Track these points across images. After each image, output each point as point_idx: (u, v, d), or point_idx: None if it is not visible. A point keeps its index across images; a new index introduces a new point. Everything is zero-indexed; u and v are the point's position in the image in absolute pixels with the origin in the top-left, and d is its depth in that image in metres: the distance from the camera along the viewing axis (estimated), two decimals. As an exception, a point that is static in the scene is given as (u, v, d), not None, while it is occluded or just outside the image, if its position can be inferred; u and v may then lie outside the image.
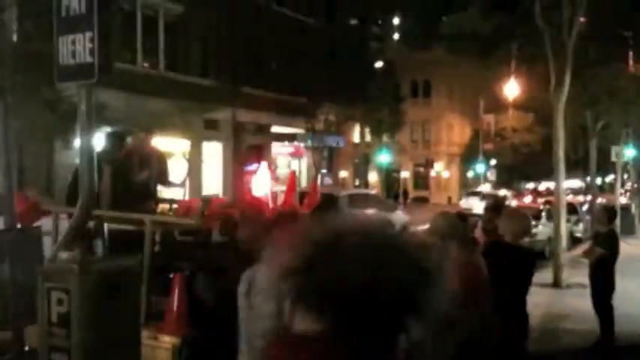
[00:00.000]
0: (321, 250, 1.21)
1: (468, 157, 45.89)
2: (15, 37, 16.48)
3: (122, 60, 19.40)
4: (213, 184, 25.70)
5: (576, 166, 29.54)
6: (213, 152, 26.34)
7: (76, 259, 3.64)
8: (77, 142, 15.56)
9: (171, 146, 19.93)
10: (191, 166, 24.16)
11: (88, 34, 3.77)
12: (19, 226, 5.45)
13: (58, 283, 3.60)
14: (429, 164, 49.74)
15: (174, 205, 8.02)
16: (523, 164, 41.62)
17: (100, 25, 3.76)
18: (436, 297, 1.17)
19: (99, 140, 6.14)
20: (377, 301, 1.14)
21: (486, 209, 6.60)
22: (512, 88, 32.40)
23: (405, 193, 45.86)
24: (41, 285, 3.66)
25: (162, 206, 7.99)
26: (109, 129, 10.25)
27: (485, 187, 40.82)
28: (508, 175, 43.29)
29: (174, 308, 5.31)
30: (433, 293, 1.18)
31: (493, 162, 43.76)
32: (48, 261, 3.91)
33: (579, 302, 9.49)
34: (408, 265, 1.20)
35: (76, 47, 3.83)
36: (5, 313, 4.62)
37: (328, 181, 32.87)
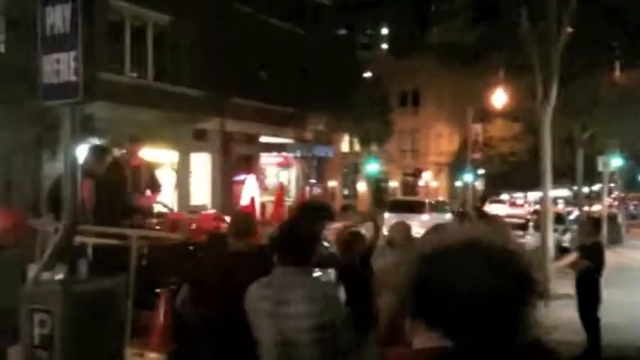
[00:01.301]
0: (431, 263, 1.22)
1: (456, 166, 46.00)
2: (2, 49, 16.45)
3: (110, 70, 19.35)
4: (201, 195, 25.62)
5: (563, 175, 29.68)
6: (202, 163, 26.28)
7: (58, 279, 3.60)
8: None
9: (160, 157, 19.86)
10: (179, 178, 24.11)
11: (72, 53, 3.76)
12: None
13: (40, 304, 3.57)
14: (417, 174, 49.85)
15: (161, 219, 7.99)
16: (511, 173, 41.77)
17: (85, 44, 3.74)
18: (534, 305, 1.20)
19: (82, 153, 6.09)
20: (492, 308, 1.15)
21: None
22: (499, 98, 32.58)
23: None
24: (24, 306, 3.62)
25: (151, 220, 7.97)
26: (92, 142, 10.22)
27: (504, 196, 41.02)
28: (495, 185, 43.45)
29: (160, 323, 5.28)
30: (534, 302, 1.22)
31: (481, 171, 43.91)
32: (30, 281, 3.87)
33: (567, 313, 9.50)
34: (516, 273, 1.22)
35: (61, 66, 3.81)
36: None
37: (317, 191, 32.85)
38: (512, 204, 39.70)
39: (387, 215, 23.91)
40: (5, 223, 5.82)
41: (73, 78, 3.77)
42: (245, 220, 4.78)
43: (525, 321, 1.22)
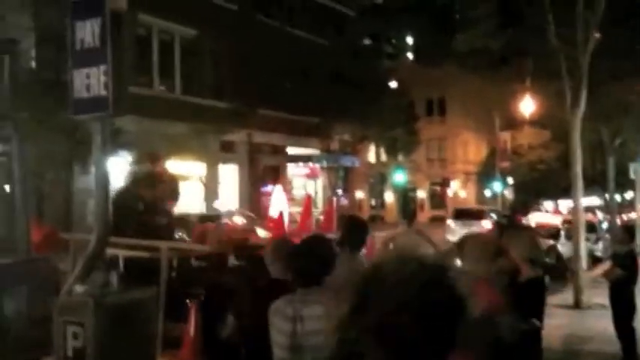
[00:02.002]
0: (367, 284, 1.26)
1: (484, 175, 45.61)
2: (34, 64, 16.76)
3: (138, 84, 19.60)
4: (229, 206, 25.75)
5: (594, 183, 29.22)
6: (229, 174, 26.43)
7: (91, 292, 3.64)
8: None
9: (188, 170, 20.04)
10: (207, 189, 24.28)
11: (103, 68, 3.80)
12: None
13: (73, 316, 3.60)
14: (445, 183, 49.50)
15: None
16: (540, 182, 41.26)
17: (115, 58, 3.79)
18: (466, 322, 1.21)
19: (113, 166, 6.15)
20: (423, 325, 1.18)
21: None
22: (527, 105, 32.25)
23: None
24: (57, 318, 3.66)
25: (180, 234, 8.01)
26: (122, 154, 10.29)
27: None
28: (525, 194, 42.93)
29: (191, 335, 5.29)
30: (466, 318, 1.22)
31: (510, 180, 43.45)
32: (63, 293, 3.91)
33: (601, 323, 9.32)
34: (450, 292, 1.24)
35: (91, 80, 3.85)
36: (21, 344, 4.63)
37: (344, 201, 32.82)
38: (556, 212, 39.16)
39: (451, 223, 25.01)
40: (38, 236, 5.92)
41: (103, 92, 3.82)
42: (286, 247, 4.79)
43: (454, 338, 1.24)
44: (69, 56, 4.04)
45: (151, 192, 6.55)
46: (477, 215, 24.64)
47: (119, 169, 7.66)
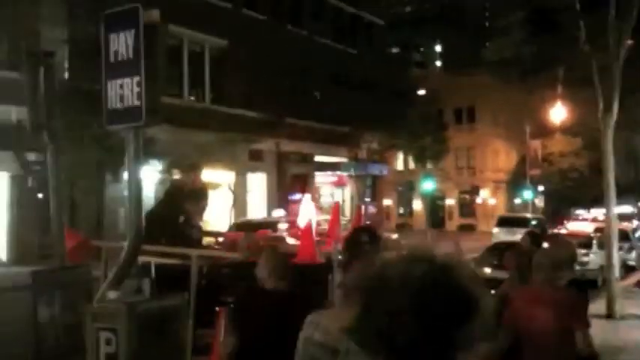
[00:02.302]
0: (372, 284, 1.26)
1: (514, 183, 45.14)
2: (66, 75, 17.11)
3: (169, 94, 19.87)
4: (257, 214, 25.87)
5: (627, 191, 28.75)
6: (258, 183, 26.57)
7: (123, 298, 3.70)
8: (127, 175, 15.76)
9: (217, 178, 20.19)
10: (236, 197, 24.44)
11: (136, 79, 3.88)
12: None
13: (106, 323, 3.66)
14: (474, 191, 49.11)
15: (220, 239, 8.09)
16: (572, 190, 40.67)
17: (147, 69, 3.86)
18: (475, 328, 1.20)
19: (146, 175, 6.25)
20: (425, 329, 1.18)
21: None
22: (558, 113, 31.90)
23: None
24: (90, 325, 3.72)
25: (208, 239, 8.07)
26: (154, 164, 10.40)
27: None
28: (556, 202, 42.37)
29: (220, 342, 5.33)
30: (474, 324, 1.21)
31: (541, 188, 42.92)
32: (96, 300, 3.99)
33: (634, 334, 9.17)
34: (453, 294, 1.23)
35: (124, 91, 3.93)
36: (55, 350, 4.72)
37: (372, 209, 32.75)
38: (594, 220, 38.65)
39: (496, 230, 26.03)
40: (71, 244, 6.03)
41: (136, 103, 3.89)
42: (285, 264, 4.81)
43: (464, 338, 1.22)
44: (103, 68, 4.13)
45: (195, 207, 6.66)
46: (520, 222, 25.14)
47: (152, 177, 7.77)
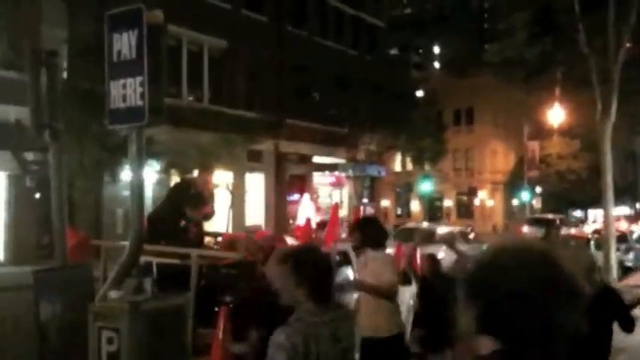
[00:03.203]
0: (483, 269, 1.31)
1: (512, 184, 45.22)
2: (65, 75, 17.10)
3: (168, 94, 19.83)
4: (255, 214, 25.87)
5: (624, 193, 28.85)
6: (256, 183, 26.57)
7: (125, 297, 3.70)
8: (126, 176, 15.82)
9: (216, 178, 20.18)
10: (234, 198, 24.43)
11: (139, 79, 3.89)
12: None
13: (108, 322, 3.67)
14: (472, 192, 49.16)
15: (219, 239, 8.10)
16: (569, 192, 40.75)
17: (151, 69, 3.87)
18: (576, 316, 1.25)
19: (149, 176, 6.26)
20: (535, 313, 1.23)
21: None
22: (557, 114, 31.96)
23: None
24: (92, 324, 3.73)
25: (208, 239, 8.08)
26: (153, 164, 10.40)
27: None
28: (554, 203, 42.44)
29: (220, 341, 5.34)
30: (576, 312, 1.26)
31: (539, 189, 42.99)
32: (98, 299, 4.00)
33: (633, 335, 9.16)
34: (562, 285, 1.28)
35: (127, 91, 3.94)
36: (57, 350, 4.72)
37: (370, 210, 32.76)
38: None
39: (527, 229, 28.64)
40: (71, 242, 6.03)
41: (139, 102, 3.91)
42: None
43: (571, 325, 1.28)
44: (106, 67, 4.14)
45: (196, 213, 6.70)
46: (548, 223, 28.42)
47: (151, 178, 7.78)
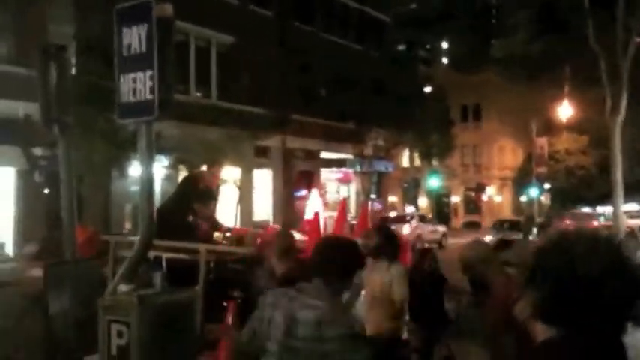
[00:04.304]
0: (551, 255, 1.31)
1: (520, 181, 45.07)
2: (73, 71, 17.15)
3: (176, 90, 19.84)
4: (263, 210, 25.91)
5: (632, 189, 28.70)
6: (264, 179, 26.59)
7: (135, 291, 3.71)
8: (134, 172, 15.85)
9: (224, 174, 20.23)
10: (242, 194, 24.48)
11: (149, 72, 3.89)
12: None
13: (118, 315, 3.68)
14: (480, 189, 49.06)
15: (228, 234, 8.11)
16: (578, 188, 40.55)
17: (161, 63, 3.87)
18: None
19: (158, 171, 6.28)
20: (600, 303, 1.23)
21: None
22: (565, 111, 31.83)
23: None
24: (102, 317, 3.74)
25: (216, 235, 8.09)
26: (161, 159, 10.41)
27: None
28: (562, 200, 42.26)
29: (229, 336, 5.35)
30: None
31: (547, 186, 42.82)
32: (108, 293, 4.00)
33: (633, 336, 9.11)
34: (629, 274, 1.28)
35: (137, 85, 3.94)
36: (67, 344, 4.74)
37: (377, 206, 32.73)
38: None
39: (568, 222, 28.97)
40: (81, 237, 6.05)
41: (149, 96, 3.90)
42: (288, 237, 4.90)
43: (635, 311, 1.29)
44: (116, 62, 4.14)
45: (203, 208, 6.70)
46: (589, 217, 31.47)
47: (159, 173, 7.81)
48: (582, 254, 1.29)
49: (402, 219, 29.72)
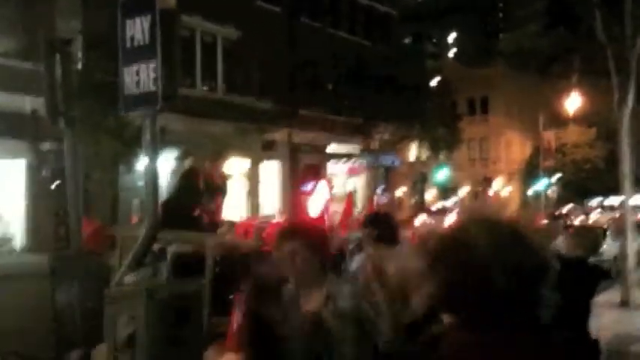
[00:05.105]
0: (456, 246, 1.29)
1: (528, 174, 44.95)
2: (79, 67, 17.19)
3: (182, 84, 19.88)
4: (270, 204, 25.93)
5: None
6: (271, 173, 26.61)
7: (141, 282, 3.72)
8: (141, 166, 15.91)
9: (231, 168, 20.25)
10: (250, 187, 24.54)
11: (152, 64, 3.89)
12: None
13: (124, 307, 3.69)
14: (487, 182, 48.94)
15: (232, 227, 8.14)
16: (586, 181, 40.41)
17: (164, 54, 3.87)
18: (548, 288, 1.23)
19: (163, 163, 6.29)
20: (498, 288, 1.21)
21: None
22: (573, 103, 31.67)
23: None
24: (108, 308, 3.75)
25: (222, 228, 8.11)
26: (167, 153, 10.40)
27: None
28: (570, 193, 42.12)
29: (235, 328, 5.36)
30: (547, 284, 1.24)
31: (554, 179, 42.70)
32: (114, 285, 4.02)
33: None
34: (529, 255, 1.26)
35: (141, 77, 3.94)
36: (74, 336, 4.76)
37: (384, 199, 32.69)
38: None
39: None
40: (88, 230, 6.08)
41: (152, 88, 3.90)
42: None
43: (543, 301, 1.26)
44: (119, 54, 4.14)
45: (210, 203, 6.72)
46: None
47: (166, 167, 7.83)
48: (479, 243, 1.27)
49: (443, 211, 30.64)
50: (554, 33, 14.96)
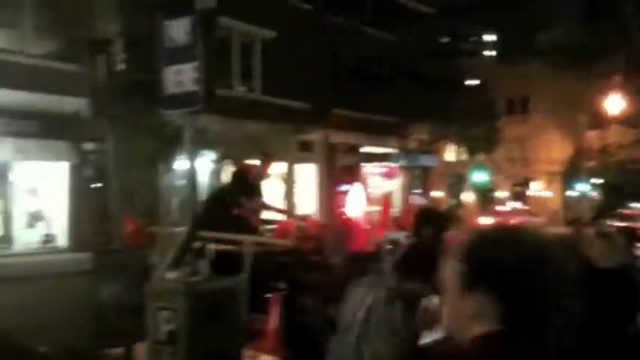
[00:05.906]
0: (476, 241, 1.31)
1: (568, 175, 44.03)
2: (121, 67, 17.49)
3: (220, 85, 20.06)
4: (306, 204, 25.99)
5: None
6: (307, 173, 26.67)
7: (182, 279, 3.78)
8: (179, 166, 16.10)
9: (271, 168, 20.35)
10: (286, 188, 24.64)
11: (192, 64, 3.95)
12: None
13: (165, 302, 3.76)
14: (527, 183, 48.14)
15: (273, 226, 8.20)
16: (629, 183, 39.36)
17: (204, 55, 3.93)
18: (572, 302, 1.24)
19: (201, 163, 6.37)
20: (529, 294, 1.22)
21: None
22: (616, 103, 30.98)
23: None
24: (150, 304, 3.83)
25: (262, 227, 8.17)
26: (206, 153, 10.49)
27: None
28: (614, 195, 41.07)
29: (274, 327, 5.40)
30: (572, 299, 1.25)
31: (596, 180, 41.71)
32: (155, 281, 4.09)
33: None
34: (559, 268, 1.28)
35: (181, 77, 4.01)
36: (116, 331, 4.86)
37: (420, 200, 32.46)
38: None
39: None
40: (129, 229, 6.19)
41: (193, 88, 3.96)
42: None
43: (567, 311, 1.26)
44: (160, 54, 4.21)
45: (249, 203, 6.78)
46: None
47: (205, 167, 7.92)
48: (503, 242, 1.28)
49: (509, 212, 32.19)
50: (594, 30, 14.74)
